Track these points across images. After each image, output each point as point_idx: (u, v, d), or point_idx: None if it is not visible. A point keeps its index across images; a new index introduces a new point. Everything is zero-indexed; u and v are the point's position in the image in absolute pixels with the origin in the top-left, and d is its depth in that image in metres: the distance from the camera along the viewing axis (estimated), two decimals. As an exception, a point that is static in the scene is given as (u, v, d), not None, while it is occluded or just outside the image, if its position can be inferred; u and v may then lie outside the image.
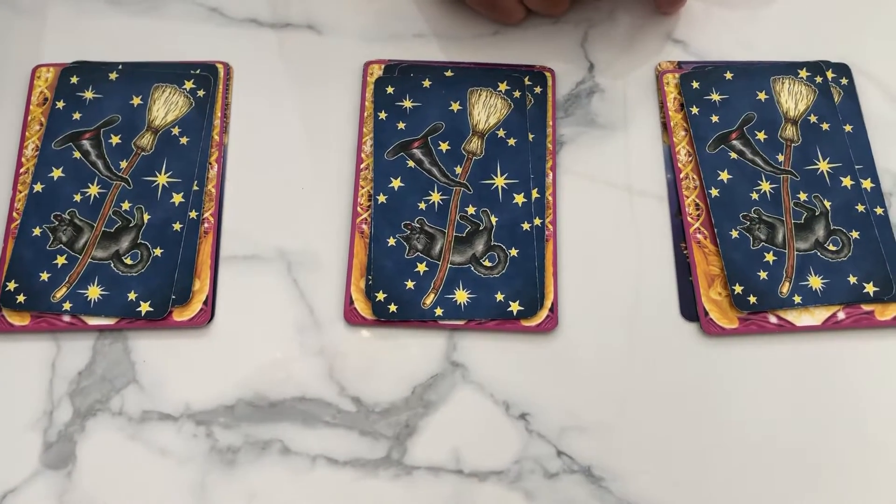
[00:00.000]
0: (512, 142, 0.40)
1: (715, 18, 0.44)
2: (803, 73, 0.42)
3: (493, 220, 0.39)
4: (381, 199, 0.39)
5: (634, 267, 0.38)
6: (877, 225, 0.39)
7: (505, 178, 0.40)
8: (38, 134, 0.40)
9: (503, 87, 0.42)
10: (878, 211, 0.39)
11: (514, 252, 0.38)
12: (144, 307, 0.37)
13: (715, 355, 0.37)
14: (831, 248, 0.38)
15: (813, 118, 0.41)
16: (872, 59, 0.43)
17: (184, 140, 0.40)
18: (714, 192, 0.39)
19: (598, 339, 0.37)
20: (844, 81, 0.42)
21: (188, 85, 0.41)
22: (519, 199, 0.39)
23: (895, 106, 0.42)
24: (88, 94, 0.41)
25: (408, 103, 0.41)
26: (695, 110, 0.41)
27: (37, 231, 0.38)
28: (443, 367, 0.36)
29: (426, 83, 0.42)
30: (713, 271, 0.38)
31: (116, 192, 0.39)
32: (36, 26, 0.43)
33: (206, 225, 0.39)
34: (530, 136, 0.41)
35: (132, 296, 0.37)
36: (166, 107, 0.41)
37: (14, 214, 0.38)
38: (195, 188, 0.39)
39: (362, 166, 0.40)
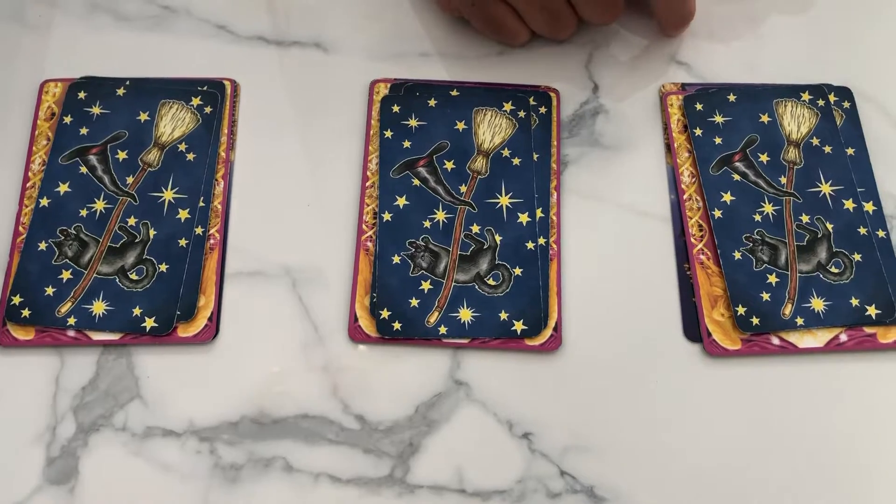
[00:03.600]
0: (517, 161, 0.41)
1: (718, 41, 0.45)
2: (806, 97, 0.43)
3: (498, 238, 0.39)
4: (387, 217, 0.39)
5: (638, 287, 0.39)
6: (879, 248, 0.39)
7: (509, 198, 0.40)
8: (46, 148, 0.40)
9: (508, 106, 0.42)
10: (880, 234, 0.39)
11: (518, 271, 0.38)
12: (149, 323, 0.37)
13: (718, 376, 0.37)
14: (833, 270, 0.38)
15: (815, 141, 0.41)
16: (874, 82, 0.43)
17: (190, 156, 0.40)
18: (717, 213, 0.40)
19: (602, 359, 0.37)
20: (846, 105, 0.43)
21: (195, 101, 0.42)
22: (523, 218, 0.39)
23: (897, 129, 0.42)
24: (96, 110, 0.41)
25: (413, 122, 0.41)
26: (698, 132, 0.42)
27: (42, 245, 0.38)
28: (446, 386, 0.37)
29: (432, 102, 0.42)
30: (716, 292, 0.38)
31: (122, 208, 0.39)
32: (44, 42, 0.43)
33: (211, 241, 0.39)
34: (535, 156, 0.41)
35: (137, 311, 0.37)
36: (173, 123, 0.41)
37: (20, 228, 0.39)
38: (201, 204, 0.39)
39: (368, 184, 0.40)
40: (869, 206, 0.40)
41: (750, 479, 0.35)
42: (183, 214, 0.39)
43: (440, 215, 0.39)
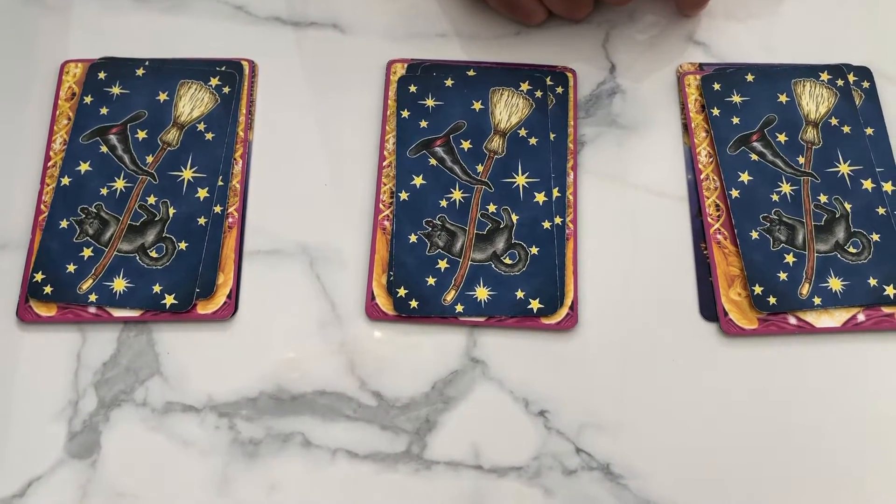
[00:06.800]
0: (533, 141, 0.41)
1: (736, 20, 0.44)
2: (825, 76, 0.42)
3: (514, 218, 0.39)
4: (403, 196, 0.39)
5: (654, 266, 0.39)
6: (897, 228, 0.39)
7: (526, 177, 0.40)
8: (66, 128, 0.41)
9: (525, 86, 0.42)
10: (899, 214, 0.39)
11: (534, 250, 0.38)
12: (169, 300, 0.37)
13: (734, 355, 0.37)
14: (851, 250, 0.38)
15: (834, 121, 0.41)
16: (894, 62, 0.43)
17: (209, 136, 0.41)
18: (734, 193, 0.39)
19: (618, 338, 0.37)
20: (866, 85, 0.42)
21: (213, 82, 0.42)
22: (540, 197, 0.39)
23: (917, 109, 0.42)
24: (116, 90, 0.42)
25: (430, 102, 0.41)
26: (716, 112, 0.41)
27: (64, 223, 0.38)
28: (463, 364, 0.37)
29: (448, 82, 0.42)
30: (733, 272, 0.38)
31: (142, 187, 0.39)
32: (64, 22, 0.44)
33: (230, 220, 0.39)
34: (551, 136, 0.41)
35: (157, 288, 0.37)
36: (192, 103, 0.41)
37: (42, 207, 0.39)
38: (220, 183, 0.39)
39: (385, 164, 0.40)
40: (888, 186, 0.40)
41: (765, 459, 0.35)
42: (202, 193, 0.39)
43: (457, 195, 0.39)
